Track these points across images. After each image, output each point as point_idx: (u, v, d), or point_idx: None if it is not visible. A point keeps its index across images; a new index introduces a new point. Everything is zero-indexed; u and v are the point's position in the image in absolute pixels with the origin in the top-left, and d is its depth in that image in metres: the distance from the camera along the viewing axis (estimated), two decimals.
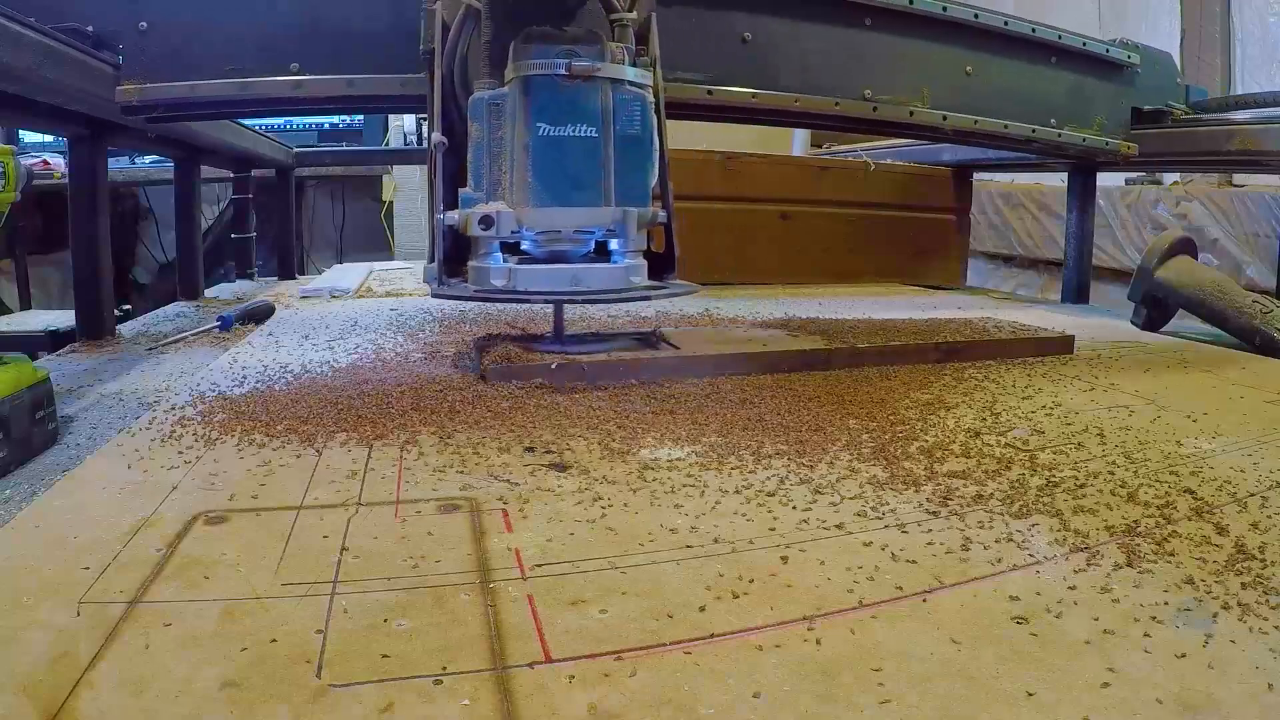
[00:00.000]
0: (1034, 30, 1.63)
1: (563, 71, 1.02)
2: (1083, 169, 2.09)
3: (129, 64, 1.19)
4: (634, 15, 1.15)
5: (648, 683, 0.43)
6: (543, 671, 0.44)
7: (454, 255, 1.11)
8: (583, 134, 1.04)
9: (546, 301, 1.06)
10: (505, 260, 1.07)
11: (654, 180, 1.12)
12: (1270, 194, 2.28)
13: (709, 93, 1.37)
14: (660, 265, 1.18)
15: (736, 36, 1.38)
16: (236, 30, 1.22)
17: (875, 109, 1.50)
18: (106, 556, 0.56)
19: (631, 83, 1.07)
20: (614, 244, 1.09)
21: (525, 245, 1.08)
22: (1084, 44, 1.71)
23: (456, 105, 1.12)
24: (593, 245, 1.10)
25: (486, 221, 1.04)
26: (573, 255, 1.09)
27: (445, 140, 1.09)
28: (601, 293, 1.07)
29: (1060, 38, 1.67)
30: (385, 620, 0.49)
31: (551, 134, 1.03)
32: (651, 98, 1.10)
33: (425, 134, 1.14)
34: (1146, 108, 1.82)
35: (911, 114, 1.53)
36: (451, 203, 1.08)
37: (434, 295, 1.08)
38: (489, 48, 1.08)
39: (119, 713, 0.40)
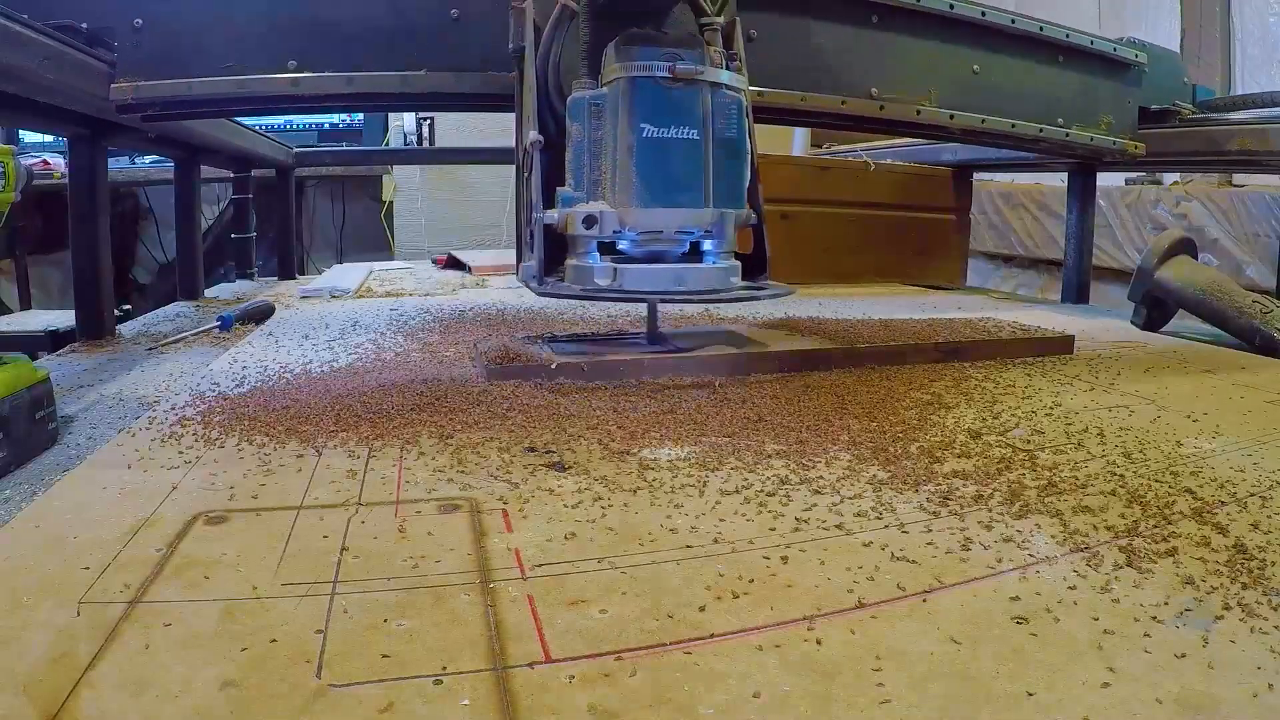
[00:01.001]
0: (1041, 29, 1.63)
1: (666, 74, 1.03)
2: (1083, 169, 2.09)
3: (124, 61, 1.18)
4: (722, 19, 1.17)
5: (647, 682, 0.43)
6: (543, 671, 0.44)
7: (548, 254, 1.12)
8: (685, 136, 1.05)
9: (652, 300, 1.08)
10: (603, 259, 1.08)
11: (748, 181, 1.14)
12: (1270, 194, 2.28)
13: None
14: (752, 266, 1.19)
15: (744, 34, 1.37)
16: (233, 27, 1.21)
17: (882, 108, 1.49)
18: (106, 556, 0.56)
19: (729, 86, 1.09)
20: (708, 244, 1.10)
21: (623, 245, 1.08)
22: (1091, 42, 1.70)
23: (550, 105, 1.13)
24: (688, 246, 1.10)
25: (590, 221, 1.04)
26: (669, 255, 1.09)
27: (541, 139, 1.09)
28: (705, 293, 1.08)
29: (1068, 36, 1.67)
30: (385, 620, 0.49)
31: (655, 135, 1.04)
32: (746, 100, 1.12)
33: (516, 133, 1.15)
34: (1154, 107, 1.81)
35: (919, 113, 1.52)
36: (549, 202, 1.08)
37: (539, 294, 1.08)
38: (587, 47, 1.09)
39: (119, 713, 0.40)
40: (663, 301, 1.08)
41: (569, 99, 1.08)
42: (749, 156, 1.13)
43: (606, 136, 1.06)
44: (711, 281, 1.09)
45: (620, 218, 1.05)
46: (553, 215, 1.06)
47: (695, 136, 1.05)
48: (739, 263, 1.13)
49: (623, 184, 1.05)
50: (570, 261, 1.09)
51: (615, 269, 1.06)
